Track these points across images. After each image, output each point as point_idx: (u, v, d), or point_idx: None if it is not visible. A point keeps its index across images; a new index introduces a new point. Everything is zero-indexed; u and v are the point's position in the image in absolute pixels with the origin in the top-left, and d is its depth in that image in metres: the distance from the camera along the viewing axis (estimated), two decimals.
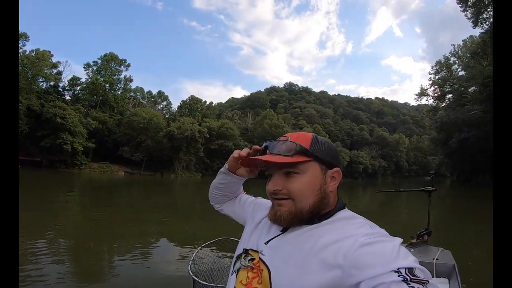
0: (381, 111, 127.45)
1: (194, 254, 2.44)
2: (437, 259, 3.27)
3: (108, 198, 15.80)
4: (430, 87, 51.16)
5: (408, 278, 0.65)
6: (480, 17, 23.81)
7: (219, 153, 59.54)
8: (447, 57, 48.67)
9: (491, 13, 22.70)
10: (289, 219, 0.89)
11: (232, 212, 1.42)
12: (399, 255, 0.71)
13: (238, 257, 1.03)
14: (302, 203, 0.89)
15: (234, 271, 1.01)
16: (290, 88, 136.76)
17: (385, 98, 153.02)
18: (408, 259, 0.70)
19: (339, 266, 0.76)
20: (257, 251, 0.97)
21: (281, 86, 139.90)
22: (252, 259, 0.97)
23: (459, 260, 2.71)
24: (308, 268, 0.80)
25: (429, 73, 51.95)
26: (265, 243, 0.95)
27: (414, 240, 3.83)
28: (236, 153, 1.14)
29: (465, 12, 24.78)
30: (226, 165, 1.25)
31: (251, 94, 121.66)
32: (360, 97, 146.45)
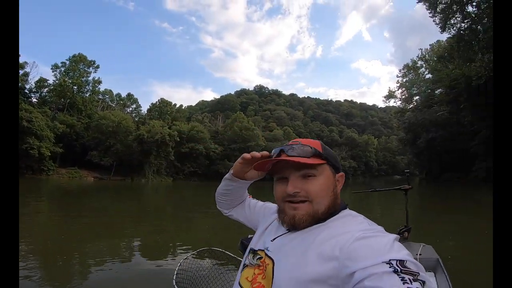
0: (350, 113, 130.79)
1: (177, 267, 2.41)
2: (420, 255, 3.29)
3: (79, 205, 15.23)
4: (398, 90, 53.38)
5: (399, 270, 0.67)
6: (448, 22, 24.93)
7: (189, 156, 59.03)
8: (415, 60, 50.94)
9: (459, 18, 23.98)
10: (308, 222, 0.93)
11: (243, 217, 1.44)
12: (392, 249, 0.74)
13: (247, 256, 1.09)
14: (319, 205, 0.93)
15: (241, 269, 1.07)
16: (260, 90, 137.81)
17: (354, 100, 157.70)
18: (400, 252, 0.73)
19: (335, 258, 0.80)
20: (263, 250, 1.02)
21: (251, 88, 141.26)
22: (260, 258, 1.02)
23: (440, 254, 2.89)
24: (306, 260, 0.85)
25: (397, 76, 54.24)
26: (271, 240, 1.01)
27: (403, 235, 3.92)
28: (247, 155, 1.14)
29: (434, 18, 25.92)
30: (231, 171, 1.28)
31: (221, 96, 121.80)
32: (329, 99, 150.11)
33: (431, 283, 0.67)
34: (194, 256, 2.61)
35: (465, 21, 23.11)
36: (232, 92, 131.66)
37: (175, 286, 2.27)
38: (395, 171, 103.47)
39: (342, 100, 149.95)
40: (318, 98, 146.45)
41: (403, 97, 52.44)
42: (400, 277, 0.65)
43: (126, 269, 5.53)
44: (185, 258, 2.51)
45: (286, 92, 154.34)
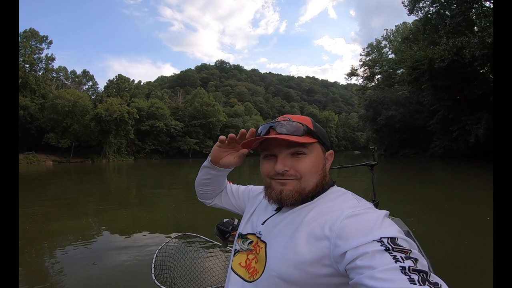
0: (311, 89, 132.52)
1: (154, 259, 2.34)
2: None
3: (40, 192, 14.45)
4: (361, 68, 54.64)
5: (391, 247, 0.67)
6: (417, 5, 25.59)
7: (150, 134, 58.02)
8: (379, 40, 52.22)
9: (428, 2, 24.59)
10: (294, 198, 0.92)
11: (228, 205, 1.41)
12: (382, 226, 0.73)
13: (237, 241, 1.08)
14: (307, 182, 0.92)
15: (233, 255, 1.07)
16: (221, 65, 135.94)
17: (316, 77, 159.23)
18: (391, 229, 0.73)
19: (326, 238, 0.79)
20: (254, 234, 1.02)
21: (212, 63, 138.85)
22: (251, 242, 1.01)
23: (408, 226, 3.08)
24: (298, 241, 0.84)
25: (360, 55, 55.37)
26: (261, 224, 1.00)
27: None
28: (223, 137, 1.14)
29: (403, 0, 26.49)
30: (208, 158, 1.24)
31: (181, 72, 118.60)
32: (291, 75, 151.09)
33: (423, 259, 0.66)
34: (169, 243, 2.58)
35: (434, 5, 23.79)
36: (193, 67, 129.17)
37: (155, 280, 2.24)
38: (355, 147, 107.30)
39: (304, 77, 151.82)
40: (280, 74, 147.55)
41: (365, 75, 53.83)
42: (392, 255, 0.65)
43: (99, 260, 5.22)
44: (160, 248, 2.48)
45: (248, 67, 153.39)
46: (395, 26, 51.76)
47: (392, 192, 11.11)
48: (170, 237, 2.77)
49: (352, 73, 56.38)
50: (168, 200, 11.23)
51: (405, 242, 0.70)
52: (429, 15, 24.24)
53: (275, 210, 1.00)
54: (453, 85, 24.87)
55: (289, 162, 0.92)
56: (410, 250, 0.67)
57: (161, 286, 2.21)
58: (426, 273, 0.61)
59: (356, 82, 59.00)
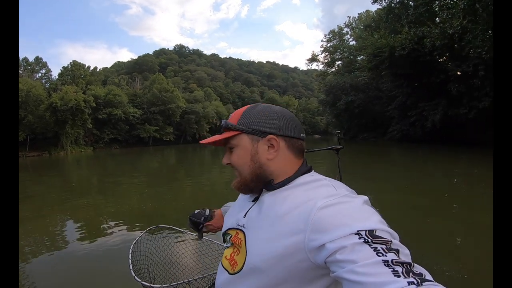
0: (272, 75, 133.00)
1: (130, 255, 2.29)
2: None
3: None
4: (322, 54, 55.48)
5: (370, 240, 0.65)
6: None
7: (108, 122, 56.02)
8: (341, 27, 53.29)
9: None
10: (238, 187, 0.98)
11: None
12: (359, 216, 0.71)
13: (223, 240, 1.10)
14: (243, 173, 0.95)
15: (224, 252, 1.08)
16: (180, 50, 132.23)
17: (276, 62, 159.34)
18: (369, 220, 0.70)
19: (300, 231, 0.77)
20: (234, 228, 1.01)
21: (171, 48, 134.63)
22: (231, 236, 1.02)
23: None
24: (273, 234, 0.84)
25: (322, 41, 56.13)
26: (243, 216, 0.99)
27: None
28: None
29: None
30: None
31: (139, 57, 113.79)
32: (251, 60, 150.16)
33: (405, 249, 0.66)
34: (142, 237, 2.54)
35: None
36: (151, 52, 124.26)
37: (136, 277, 2.15)
38: (315, 131, 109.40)
39: (265, 62, 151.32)
40: (240, 59, 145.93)
41: (326, 61, 54.75)
42: (372, 248, 0.64)
43: (69, 257, 4.99)
44: (135, 243, 2.43)
45: (208, 52, 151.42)
46: (358, 14, 53.01)
47: (353, 175, 11.36)
48: (142, 230, 2.72)
49: (313, 58, 57.22)
50: (132, 191, 11.06)
51: (385, 232, 0.68)
52: (392, 5, 25.01)
53: (253, 201, 0.99)
54: (412, 73, 25.76)
55: (228, 156, 0.99)
56: (391, 241, 0.66)
57: (143, 283, 2.14)
58: (410, 264, 0.61)
59: (316, 67, 59.96)
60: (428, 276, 0.59)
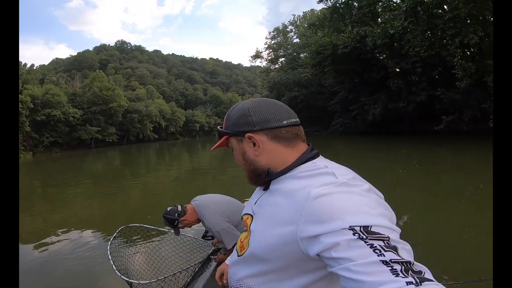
0: (215, 71, 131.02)
1: (110, 257, 2.36)
2: None
3: None
4: (265, 51, 55.95)
5: (365, 236, 0.62)
6: None
7: (47, 124, 51.47)
8: (286, 25, 54.08)
9: None
10: (248, 182, 0.99)
11: None
12: (353, 209, 0.67)
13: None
14: (245, 171, 0.98)
15: None
16: (122, 46, 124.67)
17: (220, 59, 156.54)
18: (365, 213, 0.66)
19: (294, 222, 0.75)
20: (248, 214, 1.02)
21: (112, 44, 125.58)
22: (243, 221, 1.05)
23: None
24: (270, 223, 0.85)
25: (266, 38, 56.87)
26: (254, 204, 1.00)
27: None
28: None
29: None
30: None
31: (78, 53, 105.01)
32: (194, 57, 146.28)
33: (404, 244, 0.63)
34: (116, 238, 2.61)
35: None
36: (91, 48, 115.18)
37: (122, 276, 2.31)
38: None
39: (208, 58, 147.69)
40: (183, 56, 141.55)
41: (270, 58, 55.32)
42: (368, 245, 0.61)
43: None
44: (110, 244, 2.48)
45: (150, 48, 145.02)
46: (303, 12, 54.11)
47: None
48: (101, 235, 2.82)
49: (257, 55, 57.62)
50: (82, 196, 10.51)
51: (382, 228, 0.64)
52: (337, 5, 25.89)
53: (264, 190, 0.98)
54: (354, 69, 26.99)
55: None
56: (388, 237, 0.62)
57: (130, 280, 2.32)
58: (409, 262, 0.59)
59: (260, 64, 60.45)
60: (428, 274, 0.58)
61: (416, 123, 24.38)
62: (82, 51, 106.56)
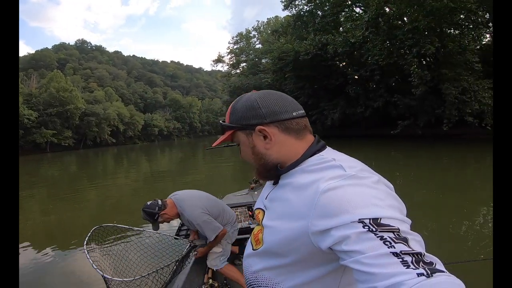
0: (175, 75, 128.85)
1: (88, 256, 2.34)
2: None
3: None
4: (227, 55, 55.99)
5: (375, 229, 0.61)
6: (293, 2, 27.68)
7: None
8: (249, 30, 54.53)
9: (304, 1, 26.80)
10: (257, 177, 0.99)
11: None
12: (362, 202, 0.66)
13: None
14: (254, 165, 0.95)
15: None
16: (82, 46, 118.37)
17: (181, 62, 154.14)
18: (374, 205, 0.65)
19: (305, 216, 0.75)
20: (260, 208, 1.02)
21: (72, 43, 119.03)
22: (255, 215, 1.06)
23: None
24: (281, 217, 0.84)
25: (229, 43, 56.90)
26: (265, 198, 0.99)
27: (253, 185, 4.40)
28: None
29: None
30: None
31: (36, 51, 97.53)
32: (155, 59, 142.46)
33: (415, 235, 0.62)
34: (90, 238, 2.58)
35: (309, 4, 26.19)
36: (50, 47, 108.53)
37: (105, 277, 2.32)
38: (218, 131, 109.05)
39: (169, 61, 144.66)
40: (144, 58, 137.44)
41: (231, 62, 55.44)
42: (378, 237, 0.60)
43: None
44: (86, 247, 2.45)
45: (111, 49, 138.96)
46: (267, 18, 54.57)
47: None
48: (71, 243, 2.75)
49: (219, 59, 57.47)
50: (39, 203, 10.09)
51: (392, 220, 0.63)
52: (302, 13, 26.42)
53: (273, 184, 0.97)
54: (314, 76, 27.54)
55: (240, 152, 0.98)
56: (398, 229, 0.61)
57: (114, 279, 2.34)
58: (420, 253, 0.58)
59: (221, 68, 60.39)
60: (439, 266, 0.57)
61: (373, 128, 25.36)
62: (41, 49, 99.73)
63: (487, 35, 19.52)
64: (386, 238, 0.59)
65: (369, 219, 0.62)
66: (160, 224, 2.73)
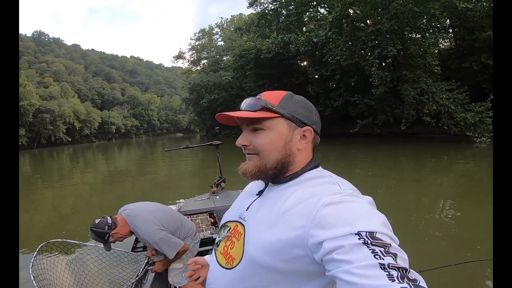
0: (135, 70, 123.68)
1: (32, 276, 2.15)
2: None
3: None
4: (188, 52, 54.78)
5: (369, 241, 0.62)
6: (258, 1, 27.26)
7: None
8: (212, 27, 53.39)
9: (270, 0, 26.38)
10: (254, 173, 0.90)
11: None
12: (362, 217, 0.68)
13: (219, 232, 1.04)
14: (266, 158, 0.88)
15: (216, 245, 1.01)
16: (39, 38, 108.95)
17: (141, 58, 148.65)
18: (372, 221, 0.67)
19: (301, 227, 0.74)
20: (235, 220, 0.97)
21: (29, 34, 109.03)
22: (230, 229, 0.98)
23: None
24: (274, 229, 0.81)
25: (191, 39, 55.68)
26: (246, 210, 0.95)
27: (214, 189, 4.17)
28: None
29: None
30: None
31: None
32: (115, 54, 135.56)
33: (403, 253, 0.63)
34: (37, 259, 2.37)
35: (274, 3, 25.80)
36: None
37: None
38: (177, 129, 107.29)
39: (129, 56, 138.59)
40: (103, 52, 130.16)
41: (192, 59, 54.34)
42: (370, 249, 0.61)
43: None
44: (32, 265, 2.25)
45: (69, 42, 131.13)
46: (231, 16, 53.89)
47: (232, 166, 11.53)
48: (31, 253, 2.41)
49: (179, 56, 56.27)
50: None
51: (385, 236, 0.65)
52: (266, 11, 26.06)
53: (256, 195, 0.96)
54: (275, 74, 27.42)
55: (249, 137, 0.91)
56: (390, 244, 0.62)
57: None
58: (406, 269, 0.58)
59: (182, 65, 58.97)
60: (423, 283, 0.57)
61: (333, 126, 25.44)
62: None
63: (447, 40, 20.12)
64: (377, 252, 0.61)
65: (366, 232, 0.64)
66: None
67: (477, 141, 15.35)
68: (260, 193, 0.95)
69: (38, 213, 7.67)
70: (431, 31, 18.03)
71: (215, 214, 3.43)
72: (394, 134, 19.84)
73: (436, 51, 19.24)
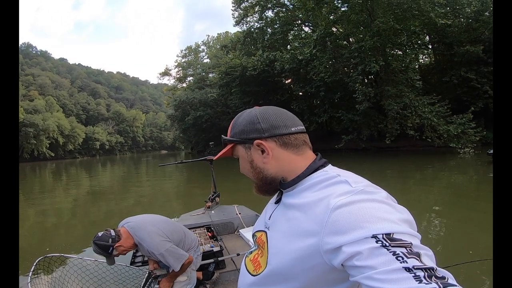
0: (120, 86, 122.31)
1: None
2: (240, 214, 3.72)
3: None
4: (175, 68, 54.69)
5: (388, 244, 0.59)
6: (244, 19, 27.43)
7: None
8: (198, 44, 53.56)
9: (256, 18, 26.64)
10: (257, 191, 0.92)
11: None
12: (375, 217, 0.64)
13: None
14: (253, 180, 0.90)
15: (249, 252, 1.01)
16: (27, 50, 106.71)
17: (127, 74, 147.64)
18: (387, 220, 0.63)
19: (315, 234, 0.71)
20: (261, 230, 0.95)
21: None
22: (256, 238, 0.97)
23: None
24: (289, 237, 0.78)
25: (177, 56, 55.61)
26: (269, 218, 0.93)
27: (209, 204, 4.12)
28: None
29: (234, 12, 27.84)
30: None
31: None
32: (101, 69, 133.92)
33: (427, 250, 0.60)
34: (36, 274, 2.32)
35: (260, 22, 26.02)
36: None
37: None
38: (162, 146, 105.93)
39: (115, 72, 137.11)
40: (90, 67, 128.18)
41: (178, 76, 54.26)
42: (391, 252, 0.57)
43: None
44: (31, 280, 2.19)
45: (56, 55, 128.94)
46: (217, 33, 54.17)
47: (229, 182, 11.18)
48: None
49: (166, 72, 56.13)
50: None
51: (404, 234, 0.60)
52: (252, 29, 26.23)
53: (275, 203, 0.92)
54: (260, 91, 27.44)
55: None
56: (411, 243, 0.59)
57: None
58: (432, 268, 0.55)
59: (168, 82, 58.73)
60: (452, 280, 0.54)
61: (318, 142, 25.42)
62: None
63: (427, 55, 20.54)
64: (398, 254, 0.57)
65: (382, 234, 0.60)
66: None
67: (460, 152, 15.53)
68: (278, 201, 0.90)
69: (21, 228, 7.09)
70: (411, 47, 18.42)
71: (212, 228, 3.34)
72: (379, 148, 19.92)
73: (417, 66, 19.70)
